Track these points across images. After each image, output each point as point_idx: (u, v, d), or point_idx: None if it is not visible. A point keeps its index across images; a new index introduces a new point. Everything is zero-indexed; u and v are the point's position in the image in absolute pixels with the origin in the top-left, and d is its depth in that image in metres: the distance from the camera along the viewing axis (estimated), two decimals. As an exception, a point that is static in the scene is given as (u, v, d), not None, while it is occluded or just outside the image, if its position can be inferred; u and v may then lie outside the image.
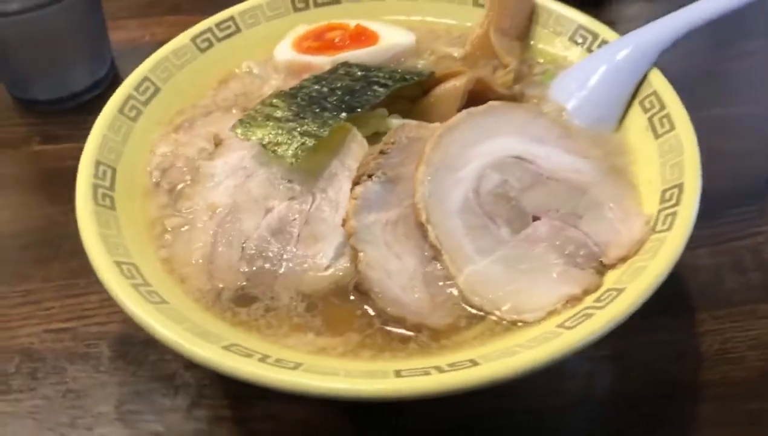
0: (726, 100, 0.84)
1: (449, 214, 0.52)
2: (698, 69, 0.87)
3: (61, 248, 0.71)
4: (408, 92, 0.62)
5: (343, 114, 0.55)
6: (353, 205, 0.51)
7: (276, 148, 0.53)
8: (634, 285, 0.46)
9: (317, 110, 0.55)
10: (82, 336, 0.64)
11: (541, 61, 0.67)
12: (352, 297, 0.50)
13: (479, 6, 0.70)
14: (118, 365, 0.62)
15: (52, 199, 0.75)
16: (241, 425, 0.58)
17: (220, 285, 0.51)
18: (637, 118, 0.59)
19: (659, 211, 0.51)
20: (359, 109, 0.55)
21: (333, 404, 0.58)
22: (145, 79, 0.63)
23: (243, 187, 0.56)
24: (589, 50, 0.65)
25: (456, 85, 0.60)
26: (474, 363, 0.43)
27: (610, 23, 0.67)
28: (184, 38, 0.67)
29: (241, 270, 0.52)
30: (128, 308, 0.46)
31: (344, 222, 0.51)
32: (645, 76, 0.60)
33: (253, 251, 0.53)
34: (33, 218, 0.75)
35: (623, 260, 0.50)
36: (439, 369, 0.43)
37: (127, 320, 0.63)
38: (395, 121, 0.58)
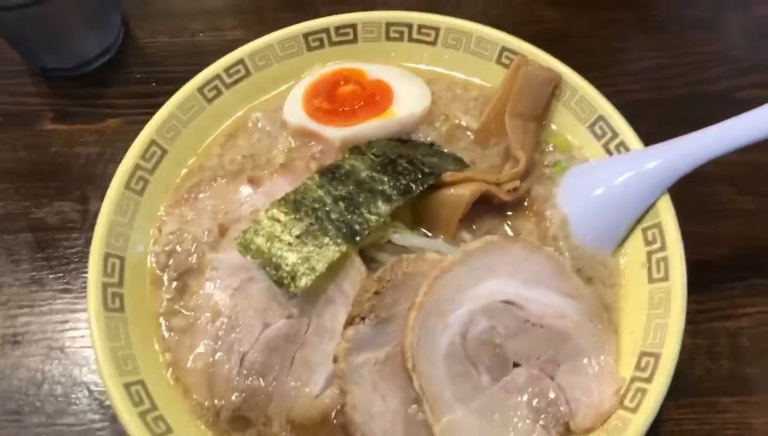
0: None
1: (435, 361, 0.55)
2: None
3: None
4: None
5: (344, 246, 0.56)
6: (344, 348, 0.54)
7: (275, 277, 0.55)
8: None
9: (318, 234, 0.56)
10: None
11: (553, 148, 0.65)
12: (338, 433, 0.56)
13: (502, 64, 0.66)
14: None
15: (62, 193, 0.77)
16: None
17: (220, 403, 0.56)
18: (636, 248, 0.60)
19: (632, 379, 0.54)
20: (358, 238, 0.56)
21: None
22: (152, 142, 0.62)
23: (244, 291, 0.58)
24: (606, 147, 0.63)
25: (461, 194, 0.59)
26: None
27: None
28: (191, 89, 0.65)
29: (238, 385, 0.56)
30: None
31: (335, 360, 0.55)
32: (655, 201, 0.59)
33: (249, 367, 0.57)
34: (45, 212, 0.77)
35: (588, 431, 0.54)
36: None
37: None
38: (396, 236, 0.59)
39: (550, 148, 0.65)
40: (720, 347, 0.70)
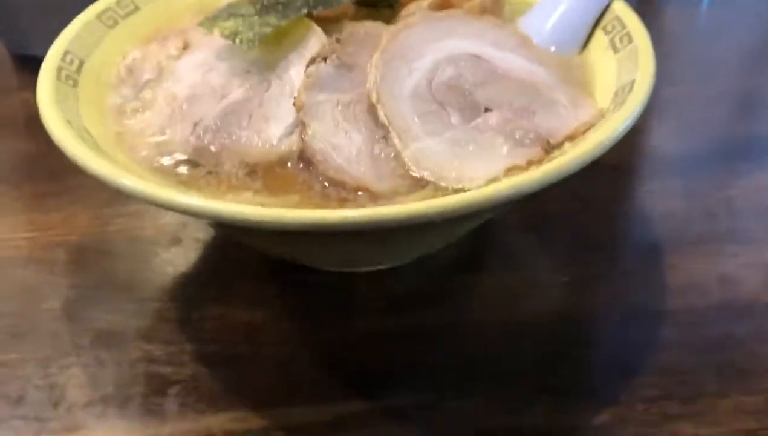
0: (711, 77, 0.85)
1: (400, 98, 0.52)
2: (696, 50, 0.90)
3: (34, 173, 0.73)
4: (378, 16, 0.63)
5: (305, 9, 0.56)
6: (305, 83, 0.52)
7: (235, 37, 0.55)
8: (574, 149, 0.45)
9: (280, 9, 0.57)
10: (41, 244, 0.64)
11: (513, 2, 0.68)
12: (296, 167, 0.50)
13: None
14: (72, 269, 0.62)
15: (32, 133, 0.76)
16: (186, 324, 0.57)
17: (168, 152, 0.51)
18: (599, 40, 0.60)
19: (611, 102, 0.51)
20: (321, 7, 0.57)
21: (278, 310, 0.57)
22: (127, -3, 0.65)
23: (203, 79, 0.56)
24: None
25: (420, 5, 0.61)
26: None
27: None
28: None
29: (190, 142, 0.52)
30: (67, 146, 0.46)
31: (295, 98, 0.51)
32: (608, 6, 0.61)
33: (203, 129, 0.53)
34: (13, 151, 0.77)
35: (570, 138, 0.50)
36: (371, 209, 0.42)
37: (86, 233, 0.65)
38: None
39: (509, 2, 0.68)
40: (715, 209, 0.65)
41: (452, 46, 0.55)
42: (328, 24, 0.59)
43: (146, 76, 0.59)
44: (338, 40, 0.54)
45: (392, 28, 0.55)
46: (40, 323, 0.57)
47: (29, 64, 0.88)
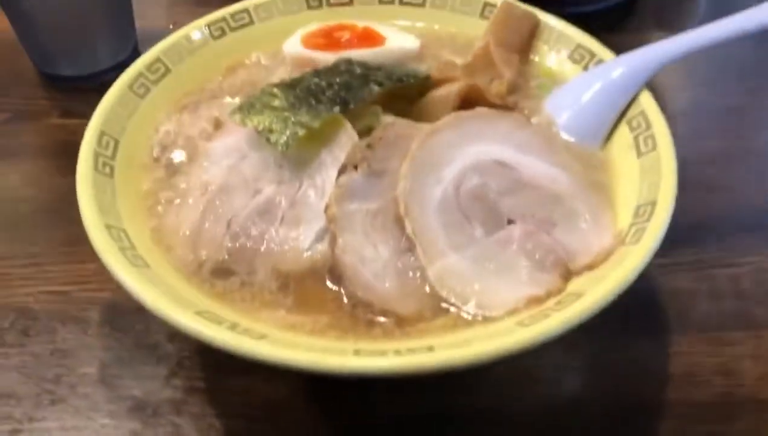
0: (724, 134, 0.85)
1: (427, 210, 0.54)
2: (706, 102, 0.90)
3: (66, 215, 0.75)
4: (405, 93, 0.64)
5: (336, 108, 0.57)
6: (336, 193, 0.54)
7: (269, 135, 0.56)
8: (592, 292, 0.47)
9: (312, 103, 0.58)
10: (76, 300, 0.67)
11: (539, 75, 0.69)
12: (326, 281, 0.53)
13: (485, 18, 0.72)
14: (106, 330, 0.65)
15: (63, 169, 0.78)
16: (213, 396, 0.60)
17: (203, 255, 0.54)
18: (623, 136, 0.61)
19: (631, 225, 0.53)
20: (351, 105, 0.58)
21: (300, 387, 0.60)
22: (158, 60, 0.66)
23: (236, 168, 0.58)
24: (586, 68, 0.67)
25: (450, 90, 0.62)
26: (430, 349, 0.45)
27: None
28: (200, 23, 0.70)
29: (225, 245, 0.54)
30: (112, 267, 0.49)
31: (327, 208, 0.53)
32: (636, 97, 0.62)
33: (238, 229, 0.55)
34: (43, 186, 0.79)
35: (589, 267, 0.52)
36: (398, 352, 0.45)
37: (119, 289, 0.68)
38: (388, 119, 0.60)
39: (536, 76, 0.69)
40: (722, 290, 0.68)
41: (479, 151, 0.57)
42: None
43: (179, 157, 0.61)
44: (369, 146, 0.55)
45: (423, 130, 0.57)
46: (77, 390, 0.61)
47: (59, 84, 0.90)
